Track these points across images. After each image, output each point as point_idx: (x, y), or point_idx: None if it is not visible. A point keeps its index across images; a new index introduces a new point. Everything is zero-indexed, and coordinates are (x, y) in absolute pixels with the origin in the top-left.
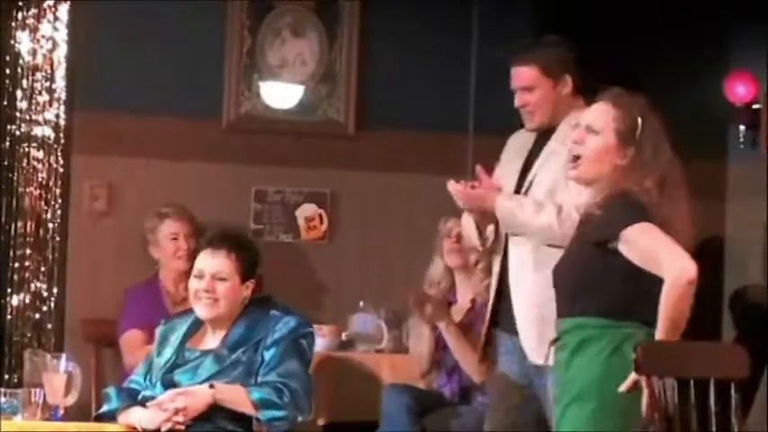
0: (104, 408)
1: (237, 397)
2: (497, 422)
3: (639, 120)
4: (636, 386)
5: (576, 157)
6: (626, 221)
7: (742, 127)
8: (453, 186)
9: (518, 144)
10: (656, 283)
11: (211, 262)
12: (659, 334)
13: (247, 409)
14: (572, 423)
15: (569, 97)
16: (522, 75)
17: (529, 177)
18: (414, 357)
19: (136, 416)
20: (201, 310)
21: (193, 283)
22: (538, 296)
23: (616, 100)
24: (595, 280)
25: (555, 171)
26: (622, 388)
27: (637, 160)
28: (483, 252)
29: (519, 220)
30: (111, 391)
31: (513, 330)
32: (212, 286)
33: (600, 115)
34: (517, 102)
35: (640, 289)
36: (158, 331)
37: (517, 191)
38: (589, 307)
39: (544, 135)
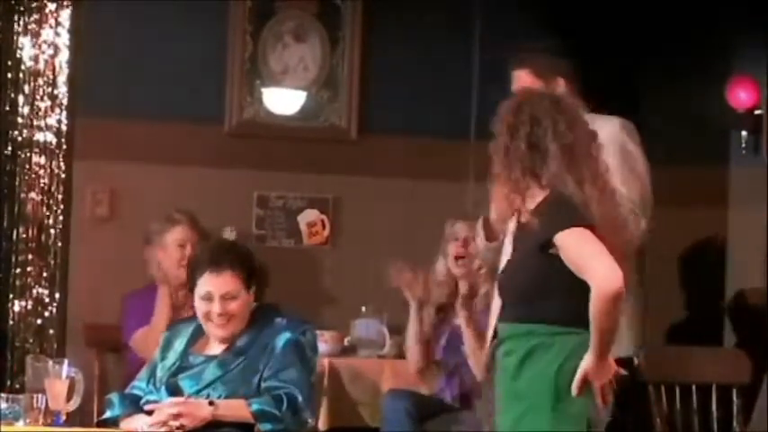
0: (107, 414)
1: (237, 411)
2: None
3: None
4: (585, 386)
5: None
6: (557, 226)
7: (744, 132)
8: None
9: None
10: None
11: (218, 283)
12: (592, 347)
13: (248, 420)
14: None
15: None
16: (517, 78)
17: None
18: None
19: (139, 423)
20: (217, 331)
21: (202, 306)
22: None
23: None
24: (542, 285)
25: None
26: (574, 389)
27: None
28: (486, 259)
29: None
30: (113, 397)
31: None
32: (225, 308)
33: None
34: None
35: (589, 294)
36: (163, 336)
37: None
38: (537, 313)
39: None
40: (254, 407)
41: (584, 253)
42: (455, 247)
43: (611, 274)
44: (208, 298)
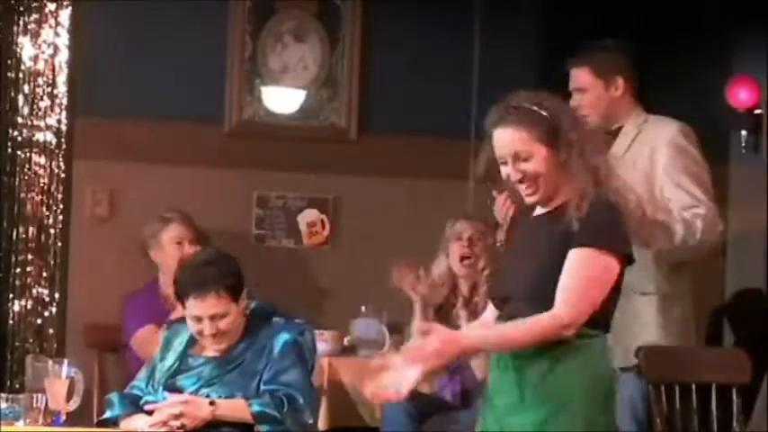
0: (107, 414)
1: (238, 411)
2: None
3: (548, 115)
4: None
5: (531, 184)
6: (604, 241)
7: (744, 132)
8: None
9: None
10: (615, 290)
11: (204, 306)
12: (487, 336)
13: (248, 421)
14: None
15: (623, 100)
16: (576, 76)
17: None
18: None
19: (139, 423)
20: (211, 346)
21: (193, 325)
22: None
23: (519, 116)
24: None
25: (630, 177)
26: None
27: (569, 152)
28: (491, 258)
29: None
30: (113, 397)
31: None
32: (215, 327)
33: (513, 140)
34: (572, 104)
35: (610, 300)
36: (162, 336)
37: None
38: None
39: None
40: (255, 408)
41: (577, 277)
42: (460, 248)
43: (573, 320)
44: (197, 319)
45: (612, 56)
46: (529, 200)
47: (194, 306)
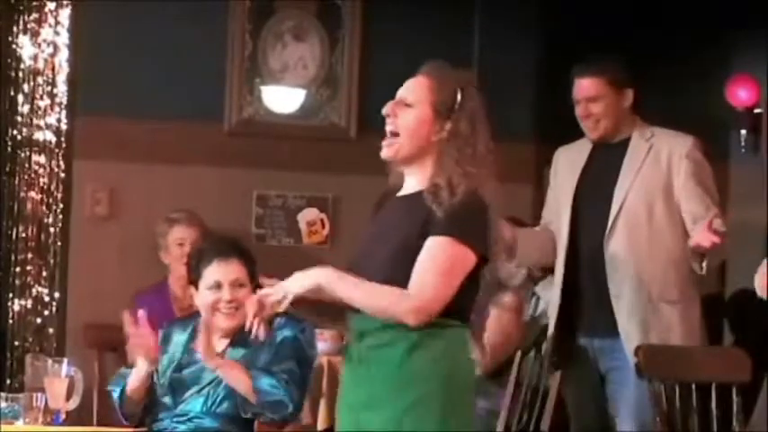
0: (115, 395)
1: (240, 381)
2: None
3: (458, 93)
4: None
5: (394, 134)
6: (454, 231)
7: (743, 131)
8: None
9: (570, 159)
10: (479, 283)
11: (227, 270)
12: (346, 278)
13: (244, 390)
14: (417, 424)
15: (629, 112)
16: (588, 85)
17: (617, 201)
18: None
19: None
20: (225, 321)
21: (209, 296)
22: (640, 300)
23: (432, 72)
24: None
25: (649, 190)
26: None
27: (454, 136)
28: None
29: None
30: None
31: (594, 332)
32: (234, 295)
33: (415, 88)
34: (581, 112)
35: (468, 291)
36: (160, 333)
37: (574, 207)
38: None
39: (598, 150)
40: (257, 383)
41: (431, 262)
42: None
43: (424, 304)
44: (216, 286)
45: (623, 67)
46: (384, 153)
47: (216, 271)
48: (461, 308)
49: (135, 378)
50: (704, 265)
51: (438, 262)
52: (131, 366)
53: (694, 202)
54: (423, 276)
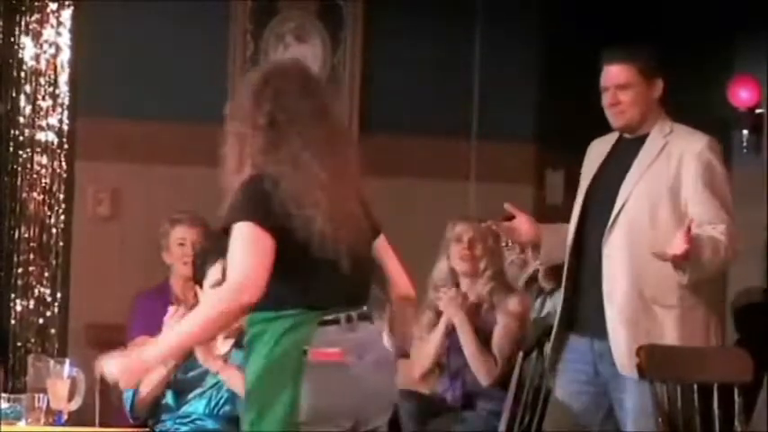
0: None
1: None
2: None
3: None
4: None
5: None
6: (235, 216)
7: (745, 131)
8: None
9: (596, 153)
10: (311, 266)
11: None
12: (180, 332)
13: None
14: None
15: (657, 104)
16: (618, 72)
17: (621, 198)
18: (414, 359)
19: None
20: None
21: None
22: (631, 300)
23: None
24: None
25: (654, 190)
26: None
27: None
28: (492, 259)
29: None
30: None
31: (590, 332)
32: None
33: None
34: (609, 100)
35: (293, 274)
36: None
37: (585, 203)
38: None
39: (618, 144)
40: None
41: (235, 250)
42: (460, 250)
43: (247, 279)
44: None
45: (655, 56)
46: None
47: (220, 271)
48: (278, 293)
49: (155, 381)
50: (685, 275)
51: (235, 246)
52: None
53: (701, 206)
54: (230, 261)
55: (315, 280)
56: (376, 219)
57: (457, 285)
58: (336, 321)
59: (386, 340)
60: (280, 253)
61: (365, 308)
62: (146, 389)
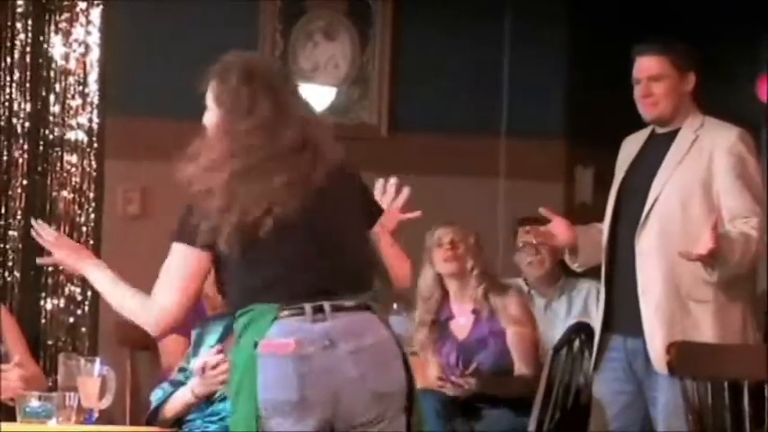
0: (153, 404)
1: None
2: None
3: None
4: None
5: None
6: (172, 236)
7: None
8: None
9: (629, 149)
10: (265, 263)
11: None
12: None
13: None
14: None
15: (689, 97)
16: (651, 64)
17: (653, 194)
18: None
19: (186, 390)
20: None
21: None
22: (667, 297)
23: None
24: (220, 282)
25: (686, 185)
26: None
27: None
28: (478, 258)
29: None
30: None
31: (623, 330)
32: None
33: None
34: (641, 92)
35: (253, 273)
36: (193, 334)
37: (618, 199)
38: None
39: (650, 140)
40: None
41: (162, 272)
42: (443, 252)
43: (163, 310)
44: None
45: (689, 49)
46: None
47: None
48: (245, 297)
49: (180, 404)
50: (714, 272)
51: (166, 266)
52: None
53: (732, 198)
54: (157, 283)
55: (272, 276)
56: (375, 204)
57: (445, 292)
58: (300, 313)
59: (383, 329)
60: (225, 260)
61: (360, 296)
62: (172, 408)
